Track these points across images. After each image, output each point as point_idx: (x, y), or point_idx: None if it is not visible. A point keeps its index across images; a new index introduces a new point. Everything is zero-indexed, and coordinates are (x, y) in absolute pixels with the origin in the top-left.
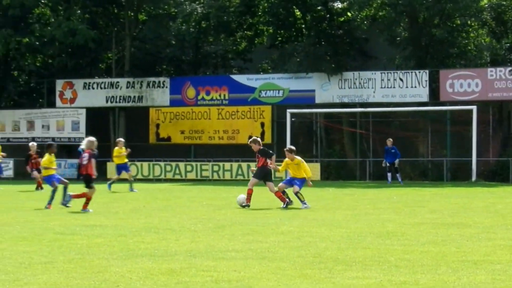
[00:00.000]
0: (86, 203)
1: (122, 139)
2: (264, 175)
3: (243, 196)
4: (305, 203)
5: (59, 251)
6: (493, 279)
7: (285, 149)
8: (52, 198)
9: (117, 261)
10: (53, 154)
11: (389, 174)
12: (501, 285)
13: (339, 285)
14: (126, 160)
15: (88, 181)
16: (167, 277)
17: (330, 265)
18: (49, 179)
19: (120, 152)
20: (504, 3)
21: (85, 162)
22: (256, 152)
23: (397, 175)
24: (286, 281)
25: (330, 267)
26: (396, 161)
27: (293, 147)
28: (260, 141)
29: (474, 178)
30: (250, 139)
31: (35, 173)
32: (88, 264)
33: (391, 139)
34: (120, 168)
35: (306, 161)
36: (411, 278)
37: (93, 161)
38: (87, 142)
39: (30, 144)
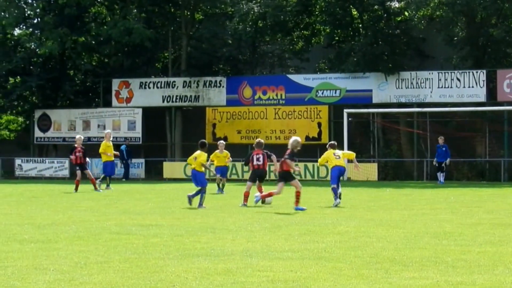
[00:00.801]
0: (297, 201)
1: (223, 142)
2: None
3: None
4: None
5: (115, 250)
6: None
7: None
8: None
9: (173, 261)
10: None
11: (439, 174)
12: None
13: (396, 285)
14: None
15: (287, 178)
16: (223, 277)
17: (387, 265)
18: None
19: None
20: None
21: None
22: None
23: (442, 174)
24: (343, 281)
25: (386, 268)
26: (447, 160)
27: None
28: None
29: None
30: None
31: (78, 172)
32: (144, 264)
33: (442, 137)
34: (217, 170)
35: (364, 161)
36: (468, 278)
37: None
38: (293, 142)
39: (77, 137)
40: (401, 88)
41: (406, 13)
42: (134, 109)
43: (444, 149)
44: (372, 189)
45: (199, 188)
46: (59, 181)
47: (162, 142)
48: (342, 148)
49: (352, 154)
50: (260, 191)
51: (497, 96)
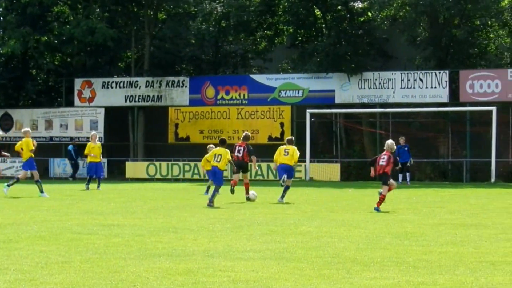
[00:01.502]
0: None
1: (213, 146)
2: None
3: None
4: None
5: (76, 250)
6: (511, 280)
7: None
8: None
9: (134, 261)
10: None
11: (400, 175)
12: None
13: (357, 285)
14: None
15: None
16: (185, 277)
17: (348, 265)
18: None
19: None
20: None
21: (383, 163)
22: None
23: (407, 174)
24: (304, 282)
25: (348, 268)
26: (411, 160)
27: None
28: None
29: (493, 179)
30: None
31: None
32: (105, 264)
33: (403, 137)
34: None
35: (327, 162)
36: (429, 278)
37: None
38: (390, 144)
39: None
40: (364, 88)
41: (369, 14)
42: (96, 109)
43: (406, 149)
44: (334, 189)
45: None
46: (21, 181)
47: (125, 142)
48: (304, 148)
49: (296, 158)
50: (246, 183)
51: (459, 97)
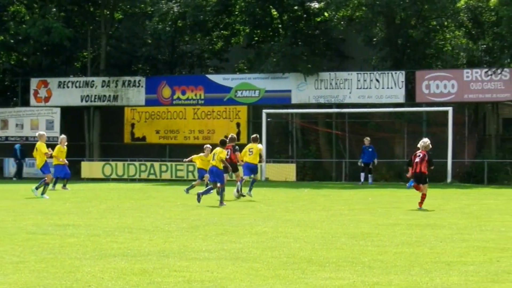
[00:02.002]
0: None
1: (209, 146)
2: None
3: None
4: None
5: (30, 250)
6: (466, 280)
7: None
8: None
9: (89, 261)
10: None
11: (362, 174)
12: (474, 286)
13: (312, 285)
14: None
15: (422, 179)
16: (139, 277)
17: (304, 265)
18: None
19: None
20: (481, 4)
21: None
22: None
23: (369, 175)
24: (259, 282)
25: (303, 268)
26: (375, 160)
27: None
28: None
29: (449, 179)
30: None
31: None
32: (60, 264)
33: (368, 138)
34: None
35: (283, 162)
36: (384, 279)
37: None
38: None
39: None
40: (320, 88)
41: (326, 14)
42: (52, 109)
43: (370, 149)
44: (290, 189)
45: (211, 185)
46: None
47: (81, 141)
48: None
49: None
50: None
51: (416, 97)
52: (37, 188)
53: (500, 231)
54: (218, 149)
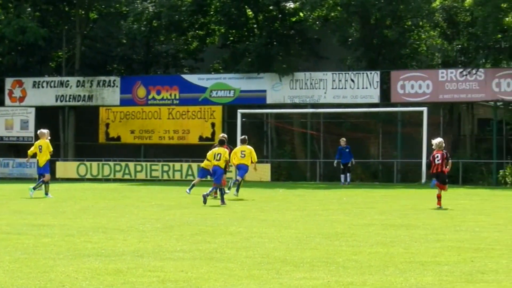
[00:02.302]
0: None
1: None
2: None
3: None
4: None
5: (5, 250)
6: (440, 280)
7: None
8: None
9: (63, 261)
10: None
11: (342, 176)
12: (448, 286)
13: (287, 285)
14: None
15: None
16: (114, 277)
17: (278, 265)
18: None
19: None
20: (456, 5)
21: (438, 162)
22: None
23: (348, 175)
24: (234, 282)
25: (277, 268)
26: (352, 161)
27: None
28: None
29: (424, 179)
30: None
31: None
32: (34, 264)
33: (344, 139)
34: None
35: (257, 162)
36: (359, 279)
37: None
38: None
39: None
40: (295, 88)
41: (301, 14)
42: (27, 109)
43: (347, 150)
44: (265, 189)
45: (215, 185)
46: None
47: (55, 141)
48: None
49: (255, 158)
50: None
51: (390, 97)
52: (34, 189)
53: (475, 231)
54: (220, 149)
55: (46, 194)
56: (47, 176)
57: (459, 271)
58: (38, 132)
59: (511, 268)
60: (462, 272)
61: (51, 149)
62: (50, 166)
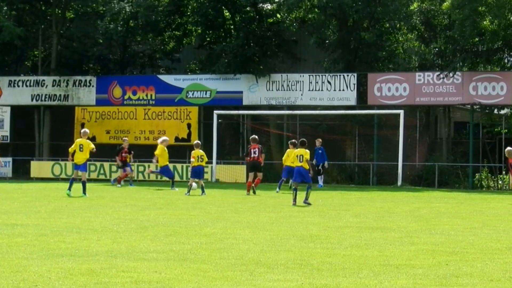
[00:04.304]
0: None
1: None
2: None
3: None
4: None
5: None
6: (414, 284)
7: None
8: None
9: (37, 261)
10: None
11: (319, 177)
12: None
13: (260, 287)
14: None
15: None
16: (87, 277)
17: (252, 267)
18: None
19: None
20: (434, 8)
21: None
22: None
23: (320, 177)
24: (207, 283)
25: (251, 270)
26: (326, 163)
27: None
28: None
29: (399, 182)
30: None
31: (128, 169)
32: (7, 264)
33: (320, 140)
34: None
35: (232, 163)
36: (333, 281)
37: None
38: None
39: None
40: (272, 90)
41: (278, 15)
42: (2, 108)
43: (320, 151)
44: (240, 191)
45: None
46: None
47: (30, 141)
48: (211, 149)
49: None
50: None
51: (367, 100)
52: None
53: (450, 234)
54: (302, 150)
55: (84, 193)
56: (84, 175)
57: (434, 274)
58: (82, 131)
59: (486, 272)
60: (436, 276)
61: (93, 146)
62: (25, 165)
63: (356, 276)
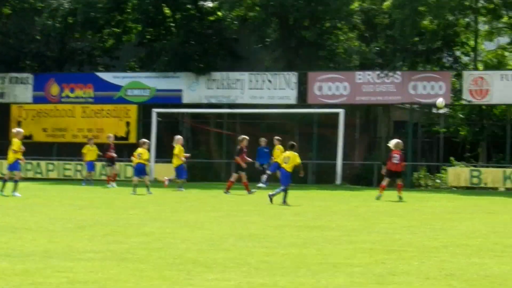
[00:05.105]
0: None
1: (146, 140)
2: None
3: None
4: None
5: None
6: (351, 282)
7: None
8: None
9: None
10: None
11: (264, 176)
12: None
13: (198, 287)
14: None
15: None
16: (21, 278)
17: (190, 267)
18: None
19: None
20: (375, 7)
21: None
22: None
23: (265, 176)
24: (145, 283)
25: (189, 269)
26: (269, 162)
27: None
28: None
29: (338, 181)
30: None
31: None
32: None
33: (265, 139)
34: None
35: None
36: (270, 280)
37: None
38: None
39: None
40: (212, 88)
41: (219, 13)
42: None
43: (266, 150)
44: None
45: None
46: None
47: None
48: (150, 148)
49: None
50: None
51: (307, 99)
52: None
53: (387, 233)
54: (291, 153)
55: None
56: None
57: (371, 272)
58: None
59: (422, 270)
60: (373, 274)
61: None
62: None
63: (294, 275)
